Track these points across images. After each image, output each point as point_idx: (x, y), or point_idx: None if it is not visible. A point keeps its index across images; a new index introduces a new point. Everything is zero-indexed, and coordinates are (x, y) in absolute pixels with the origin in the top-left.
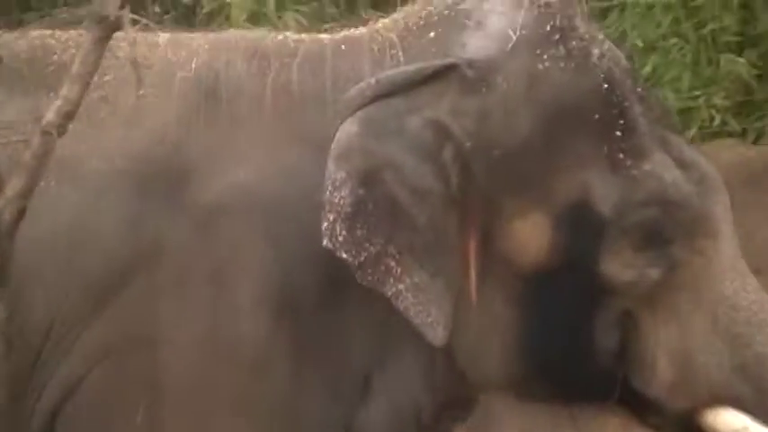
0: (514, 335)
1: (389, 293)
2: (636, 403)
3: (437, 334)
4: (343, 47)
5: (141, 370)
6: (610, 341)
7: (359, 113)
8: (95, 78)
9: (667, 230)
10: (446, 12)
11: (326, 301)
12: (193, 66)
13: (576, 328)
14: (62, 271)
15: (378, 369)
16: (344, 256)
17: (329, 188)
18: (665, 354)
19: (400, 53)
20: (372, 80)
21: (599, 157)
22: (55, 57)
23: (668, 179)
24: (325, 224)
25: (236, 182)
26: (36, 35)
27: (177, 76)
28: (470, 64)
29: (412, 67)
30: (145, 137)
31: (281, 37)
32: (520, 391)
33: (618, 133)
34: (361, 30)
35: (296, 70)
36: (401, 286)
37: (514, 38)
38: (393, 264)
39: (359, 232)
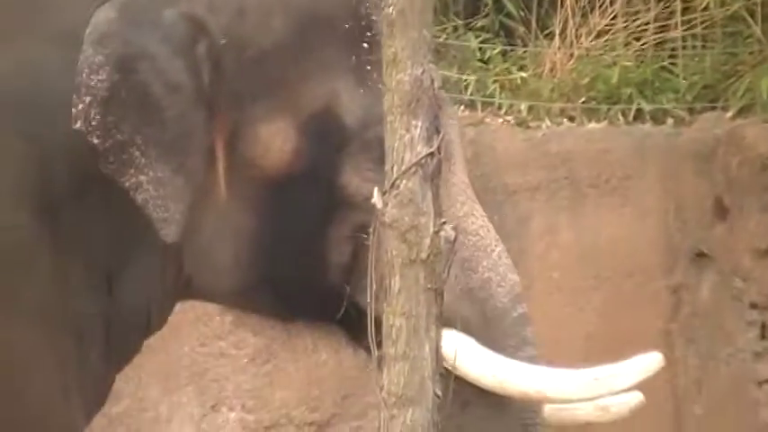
0: (248, 241)
1: (128, 184)
2: (356, 323)
3: (170, 230)
4: None
5: None
6: (342, 255)
7: (117, 0)
8: None
9: None
10: None
11: (79, 195)
12: None
13: (310, 240)
14: None
15: (118, 267)
16: (95, 140)
17: (86, 71)
18: None
19: None
20: None
21: (347, 67)
22: None
23: None
24: (80, 107)
25: None
26: None
27: None
28: None
29: None
30: None
31: None
32: (244, 303)
33: (365, 45)
34: None
35: None
36: (143, 178)
37: None
38: (138, 154)
39: (110, 118)
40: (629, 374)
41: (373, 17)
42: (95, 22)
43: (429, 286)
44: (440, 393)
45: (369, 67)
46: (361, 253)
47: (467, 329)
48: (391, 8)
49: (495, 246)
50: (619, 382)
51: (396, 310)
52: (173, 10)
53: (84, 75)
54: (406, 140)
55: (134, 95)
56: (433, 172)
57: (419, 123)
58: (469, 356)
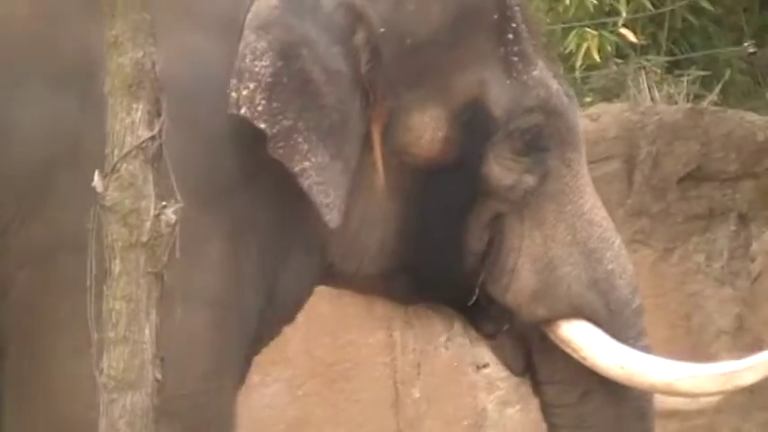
0: (394, 228)
1: (295, 170)
2: (482, 310)
3: (333, 216)
4: None
5: (70, 271)
6: (478, 243)
7: None
8: None
9: (546, 139)
10: None
11: (245, 182)
12: None
13: (451, 227)
14: None
15: (282, 256)
16: (262, 126)
17: (249, 57)
18: (528, 261)
19: None
20: None
21: (496, 57)
22: None
23: (553, 88)
24: (245, 92)
25: None
26: None
27: None
28: None
29: None
30: (51, 20)
31: None
32: (380, 288)
33: (510, 36)
34: None
35: None
36: (306, 164)
37: None
38: (301, 140)
39: (275, 104)
40: (755, 371)
41: (516, 7)
42: (257, 8)
43: (150, 270)
44: (159, 377)
45: (515, 59)
46: (496, 241)
47: (593, 320)
48: None
49: (616, 237)
50: (744, 379)
51: (116, 294)
52: None
53: (247, 60)
54: (126, 123)
55: (295, 81)
56: (154, 155)
57: (140, 106)
58: (598, 347)
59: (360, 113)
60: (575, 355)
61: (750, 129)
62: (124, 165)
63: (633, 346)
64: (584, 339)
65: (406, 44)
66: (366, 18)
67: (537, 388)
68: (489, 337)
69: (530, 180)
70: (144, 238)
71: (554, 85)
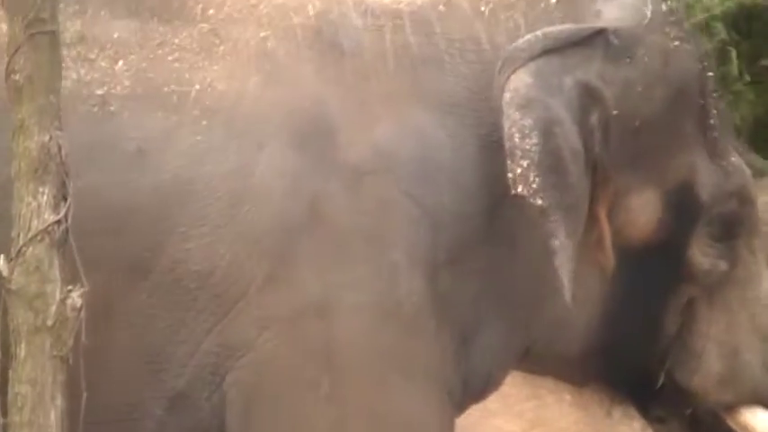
0: (603, 308)
1: (554, 247)
2: (656, 394)
3: (569, 294)
4: (442, 8)
5: (316, 340)
6: (672, 326)
7: (531, 65)
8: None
9: (738, 225)
10: None
11: (455, 258)
12: (311, 13)
13: (652, 309)
14: (225, 220)
15: (472, 333)
16: (539, 202)
17: (517, 135)
18: (715, 346)
19: (517, 16)
20: (540, 33)
21: (701, 142)
22: None
23: (747, 174)
24: (519, 171)
25: (374, 141)
26: None
27: (294, 21)
28: (616, 33)
29: (571, 27)
30: (287, 87)
31: None
32: (573, 368)
33: (712, 122)
34: None
35: (410, 32)
36: (556, 242)
37: (649, 13)
38: (554, 218)
39: (541, 181)
40: None
41: (714, 95)
42: (515, 87)
43: (55, 353)
44: None
45: (718, 144)
46: (686, 324)
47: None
48: (18, 75)
49: None
50: None
51: (21, 378)
52: (570, 77)
53: (516, 139)
54: (32, 207)
55: (551, 159)
56: (60, 239)
57: (46, 190)
58: None
59: (588, 194)
60: None
61: None
62: (30, 249)
63: None
64: (763, 427)
65: (633, 126)
66: (603, 99)
67: None
68: (659, 421)
69: (723, 266)
70: (49, 323)
71: (747, 171)
